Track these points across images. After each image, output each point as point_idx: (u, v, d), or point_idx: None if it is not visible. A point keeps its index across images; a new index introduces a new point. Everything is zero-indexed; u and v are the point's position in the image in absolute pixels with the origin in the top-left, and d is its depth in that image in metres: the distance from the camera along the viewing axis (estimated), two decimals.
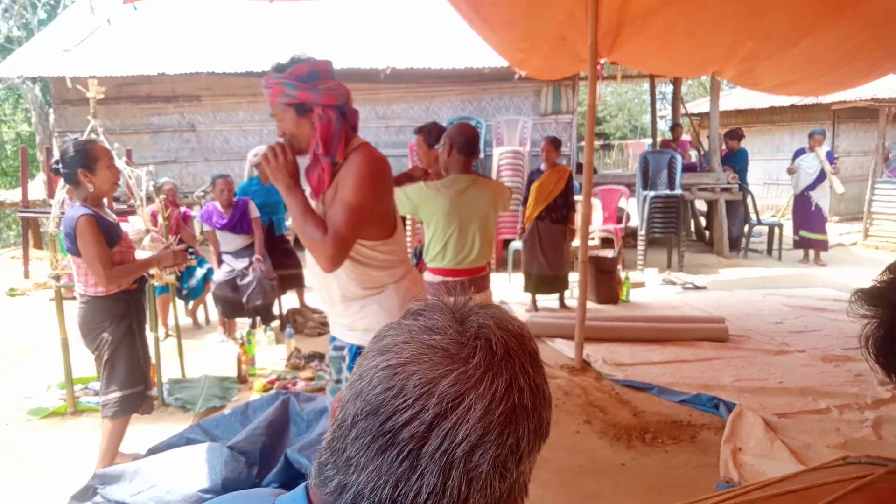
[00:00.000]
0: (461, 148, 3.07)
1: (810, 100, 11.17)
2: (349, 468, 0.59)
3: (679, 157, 8.59)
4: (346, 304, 2.07)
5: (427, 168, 3.79)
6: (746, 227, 9.26)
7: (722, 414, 3.64)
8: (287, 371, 4.59)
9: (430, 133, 4.04)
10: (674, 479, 2.99)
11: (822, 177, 8.26)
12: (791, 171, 8.65)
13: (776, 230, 9.00)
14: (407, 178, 3.54)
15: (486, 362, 0.58)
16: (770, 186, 13.62)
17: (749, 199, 9.27)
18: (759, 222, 9.25)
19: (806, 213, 8.48)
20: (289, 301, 5.94)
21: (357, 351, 2.10)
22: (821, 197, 8.43)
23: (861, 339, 0.66)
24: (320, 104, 1.94)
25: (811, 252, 8.58)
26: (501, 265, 7.88)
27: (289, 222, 6.65)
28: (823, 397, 3.86)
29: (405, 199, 3.10)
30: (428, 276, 3.17)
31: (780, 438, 3.29)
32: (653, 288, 7.19)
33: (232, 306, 5.20)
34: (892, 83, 9.83)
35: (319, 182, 2.00)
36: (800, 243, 8.62)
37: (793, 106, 12.50)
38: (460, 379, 0.57)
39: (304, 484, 0.65)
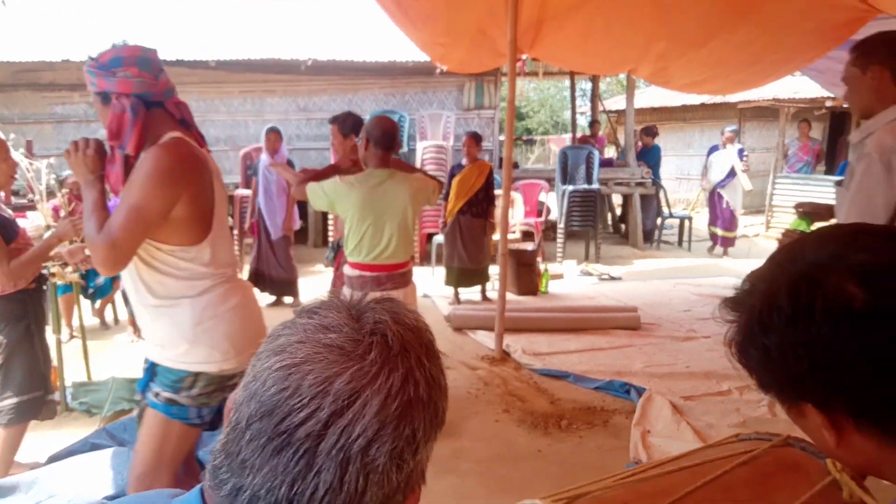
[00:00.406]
0: (378, 141, 3.02)
1: (719, 99, 11.78)
2: (244, 470, 0.58)
3: (596, 153, 8.86)
4: (140, 311, 1.92)
5: (342, 157, 3.74)
6: (659, 220, 9.67)
7: (633, 399, 3.79)
8: None
9: (345, 122, 3.99)
10: (587, 463, 3.09)
11: (732, 174, 8.54)
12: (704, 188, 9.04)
13: (686, 223, 9.48)
14: (335, 170, 3.46)
15: (382, 358, 0.58)
16: (682, 181, 14.27)
17: (662, 194, 9.68)
18: (671, 215, 9.70)
19: (716, 210, 8.74)
20: None
21: (152, 367, 1.89)
22: (731, 194, 8.63)
23: (725, 344, 0.72)
24: (114, 92, 1.80)
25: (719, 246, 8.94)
26: (425, 259, 7.91)
27: None
28: (725, 380, 4.09)
29: (321, 193, 3.04)
30: (347, 270, 3.14)
31: (686, 420, 3.46)
32: (571, 279, 7.39)
33: None
34: (791, 84, 10.48)
35: (116, 177, 1.84)
36: (712, 237, 9.00)
37: (703, 104, 13.13)
38: (356, 376, 0.57)
39: (199, 486, 0.64)
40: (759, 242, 9.83)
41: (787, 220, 9.97)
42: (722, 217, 8.68)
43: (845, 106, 9.18)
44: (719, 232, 8.77)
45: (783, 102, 11.03)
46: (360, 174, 3.07)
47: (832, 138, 13.25)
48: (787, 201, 9.89)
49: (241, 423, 0.59)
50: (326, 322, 0.61)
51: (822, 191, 9.54)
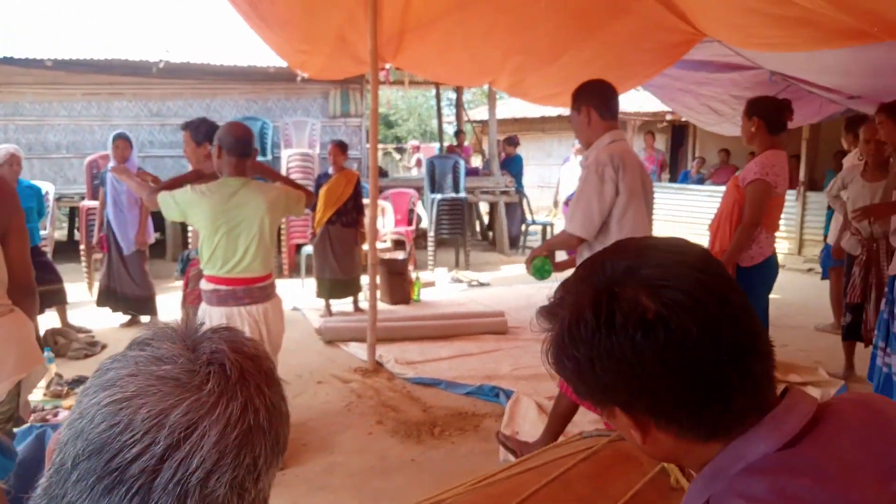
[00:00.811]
0: (231, 149, 2.87)
1: None
2: None
3: (462, 162, 9.09)
4: None
5: (205, 164, 3.55)
6: (524, 227, 10.10)
7: (502, 402, 3.91)
8: (46, 400, 4.03)
9: (199, 129, 3.79)
10: (459, 468, 3.14)
11: None
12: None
13: (549, 228, 9.98)
14: (197, 176, 3.26)
15: (220, 388, 0.57)
16: (543, 189, 14.98)
17: (525, 201, 10.12)
18: (534, 222, 10.21)
19: None
20: (47, 321, 5.23)
21: None
22: None
23: (542, 352, 0.76)
24: None
25: None
26: (294, 271, 7.71)
27: (44, 232, 5.90)
28: None
29: (173, 203, 2.87)
30: (203, 285, 2.98)
31: None
32: (442, 286, 7.52)
33: None
34: (636, 98, 11.34)
35: None
36: None
37: (560, 116, 13.87)
38: (193, 407, 0.56)
39: None
40: None
41: None
42: None
43: (684, 119, 10.10)
44: None
45: (630, 115, 11.92)
46: (212, 183, 2.93)
47: (674, 149, 14.50)
48: None
49: (66, 464, 0.56)
50: (160, 353, 0.59)
51: (667, 197, 10.44)
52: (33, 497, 0.59)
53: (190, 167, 3.93)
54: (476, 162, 12.94)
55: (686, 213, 9.85)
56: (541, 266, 2.92)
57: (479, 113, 16.49)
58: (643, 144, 11.26)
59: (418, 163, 14.93)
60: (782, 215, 3.52)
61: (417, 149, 16.05)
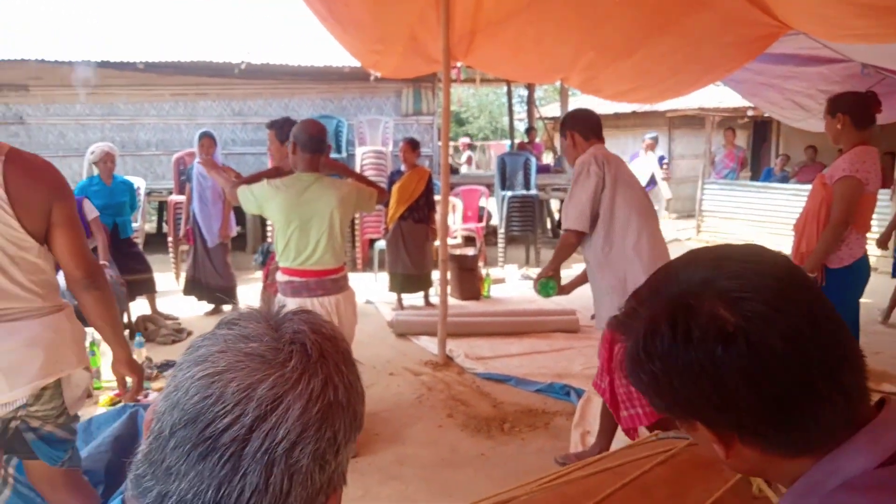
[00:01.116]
0: (304, 145, 2.97)
1: (649, 107, 12.21)
2: (169, 477, 0.59)
3: (534, 159, 9.03)
4: None
5: (284, 161, 3.68)
6: None
7: (573, 401, 3.89)
8: None
9: (283, 128, 3.95)
10: (529, 465, 3.15)
11: (652, 182, 8.41)
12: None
13: None
14: (277, 172, 3.40)
15: (302, 365, 0.61)
16: None
17: None
18: None
19: None
20: (138, 308, 5.57)
21: None
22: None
23: (616, 363, 0.76)
24: None
25: None
26: (367, 265, 7.88)
27: (136, 224, 6.26)
28: None
29: (251, 196, 3.00)
30: (279, 277, 3.11)
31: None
32: (512, 283, 7.51)
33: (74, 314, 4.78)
34: (716, 94, 10.95)
35: None
36: None
37: (634, 112, 13.57)
38: (278, 382, 0.59)
39: (120, 497, 0.65)
40: (690, 246, 10.23)
41: (716, 224, 10.42)
42: None
43: (766, 115, 9.68)
44: None
45: (708, 111, 11.52)
46: (286, 178, 3.03)
47: (756, 145, 13.92)
48: (715, 206, 10.33)
49: (164, 432, 0.60)
50: (246, 332, 0.63)
51: (748, 196, 10.03)
52: (134, 462, 0.64)
53: (269, 164, 4.10)
54: (547, 159, 12.82)
55: (769, 213, 9.44)
56: (545, 284, 3.15)
57: (550, 110, 16.34)
58: (722, 141, 10.85)
59: (469, 160, 14.91)
60: (874, 215, 3.34)
61: (468, 146, 15.95)
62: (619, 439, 3.30)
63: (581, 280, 3.35)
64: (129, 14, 9.11)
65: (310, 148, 2.99)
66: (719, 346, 0.64)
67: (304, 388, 0.60)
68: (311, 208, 2.96)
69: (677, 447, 0.93)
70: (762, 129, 13.68)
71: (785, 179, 10.61)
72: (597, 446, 3.02)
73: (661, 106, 11.43)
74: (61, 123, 8.82)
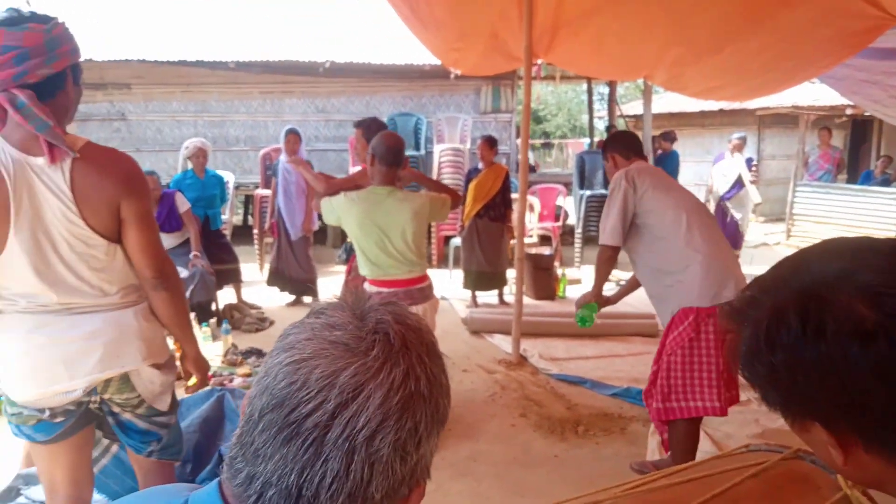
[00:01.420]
0: (382, 158, 2.99)
1: (737, 105, 11.71)
2: (257, 459, 0.61)
3: None
4: None
5: (362, 163, 3.75)
6: None
7: None
8: (223, 367, 4.51)
9: (370, 128, 4.02)
10: (604, 470, 3.10)
11: (739, 185, 7.66)
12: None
13: None
14: (354, 185, 3.44)
15: (384, 354, 0.62)
16: (700, 187, 14.13)
17: None
18: None
19: (720, 225, 8.20)
20: (225, 296, 5.83)
21: None
22: (737, 207, 7.67)
23: (728, 354, 0.71)
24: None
25: None
26: (442, 261, 7.94)
27: (225, 216, 6.55)
28: (745, 390, 4.05)
29: (331, 208, 3.06)
30: (367, 286, 3.17)
31: (704, 429, 3.45)
32: (588, 284, 7.37)
33: None
34: (811, 91, 10.38)
35: None
36: None
37: (721, 110, 13.04)
38: (360, 370, 0.61)
39: (217, 479, 0.68)
40: (779, 251, 9.76)
41: (808, 228, 9.90)
42: (726, 233, 7.90)
43: (867, 114, 9.09)
44: None
45: (803, 109, 10.94)
46: (362, 191, 3.06)
47: (854, 146, 13.11)
48: (807, 210, 9.81)
49: (254, 415, 0.63)
50: (332, 321, 0.65)
51: (845, 199, 9.46)
52: (230, 444, 0.67)
53: (350, 161, 4.19)
54: None
55: (867, 218, 8.88)
56: (586, 315, 3.20)
57: (632, 108, 15.93)
58: (817, 141, 10.27)
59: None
60: None
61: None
62: (703, 450, 3.20)
63: (629, 289, 3.39)
64: (222, 16, 9.53)
65: (387, 161, 3.00)
66: (856, 343, 0.60)
67: (386, 378, 0.61)
68: (386, 221, 2.97)
69: (771, 460, 0.89)
70: (861, 129, 12.87)
71: (886, 182, 9.95)
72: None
73: (751, 104, 10.94)
74: (158, 120, 9.33)
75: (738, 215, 7.70)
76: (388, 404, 0.60)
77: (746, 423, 3.60)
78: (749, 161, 7.93)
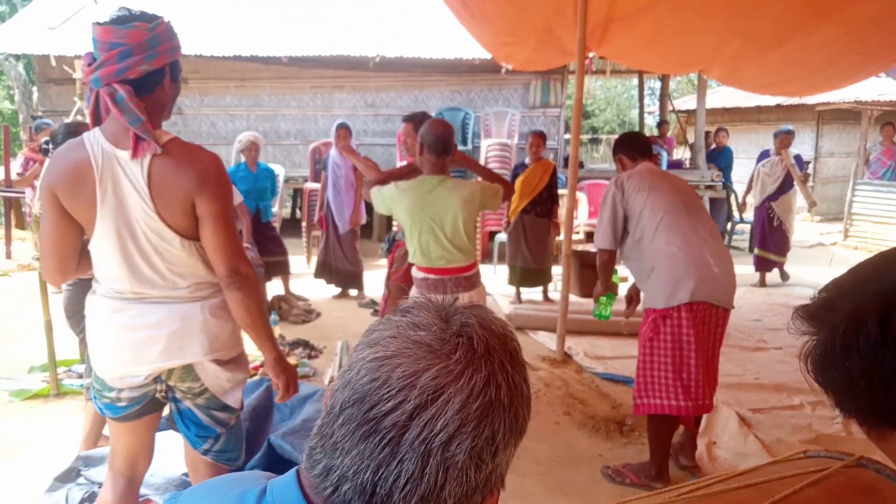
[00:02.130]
0: (431, 147, 2.97)
1: (795, 100, 11.30)
2: (335, 452, 0.62)
3: (665, 154, 8.66)
4: None
5: (411, 157, 3.76)
6: (729, 225, 9.38)
7: None
8: None
9: (420, 122, 4.03)
10: None
11: (787, 185, 6.87)
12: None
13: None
14: (411, 170, 3.43)
15: (466, 358, 0.61)
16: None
17: (732, 197, 9.38)
18: (742, 220, 9.35)
19: (765, 228, 7.01)
20: (274, 288, 5.95)
21: None
22: (784, 210, 6.94)
23: (800, 358, 0.69)
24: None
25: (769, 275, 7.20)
26: (487, 257, 7.93)
27: (275, 209, 6.68)
28: (797, 394, 3.96)
29: (382, 198, 3.08)
30: (414, 272, 3.19)
31: (754, 433, 3.38)
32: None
33: None
34: (876, 85, 9.96)
35: None
36: (757, 263, 7.17)
37: (778, 106, 12.63)
38: (441, 373, 0.60)
39: (296, 468, 0.69)
40: (836, 251, 9.41)
41: (867, 228, 9.52)
42: (772, 237, 6.98)
43: None
44: (769, 255, 7.04)
45: (866, 105, 10.50)
46: (412, 181, 3.06)
47: None
48: (868, 209, 9.44)
49: (335, 408, 0.63)
50: (417, 321, 0.65)
51: None
52: (312, 434, 0.67)
53: (397, 156, 4.21)
54: (679, 154, 12.26)
55: None
56: (601, 309, 3.40)
57: (683, 102, 15.59)
58: (879, 138, 9.85)
59: None
60: None
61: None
62: (753, 455, 3.13)
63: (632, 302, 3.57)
64: (276, 12, 9.68)
65: (436, 149, 2.98)
66: None
67: (466, 383, 0.60)
68: (436, 210, 2.96)
69: (832, 467, 0.86)
70: None
71: None
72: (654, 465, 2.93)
73: (811, 99, 10.55)
74: (213, 114, 9.57)
75: (785, 219, 6.94)
76: (467, 410, 0.59)
77: (798, 428, 3.50)
78: (799, 159, 7.09)
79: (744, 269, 8.16)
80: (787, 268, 7.26)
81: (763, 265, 7.13)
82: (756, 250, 7.17)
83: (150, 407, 1.95)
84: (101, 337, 1.87)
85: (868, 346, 0.62)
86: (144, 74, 1.68)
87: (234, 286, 1.77)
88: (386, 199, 3.07)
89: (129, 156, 1.68)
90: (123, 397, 1.89)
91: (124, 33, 1.64)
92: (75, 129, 2.86)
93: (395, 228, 6.39)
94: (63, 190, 1.73)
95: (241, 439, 2.08)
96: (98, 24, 1.67)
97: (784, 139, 6.82)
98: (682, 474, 3.02)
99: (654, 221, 2.88)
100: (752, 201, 7.18)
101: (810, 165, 7.39)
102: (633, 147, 3.22)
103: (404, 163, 4.19)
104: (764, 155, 7.20)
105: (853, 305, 0.65)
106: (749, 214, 10.12)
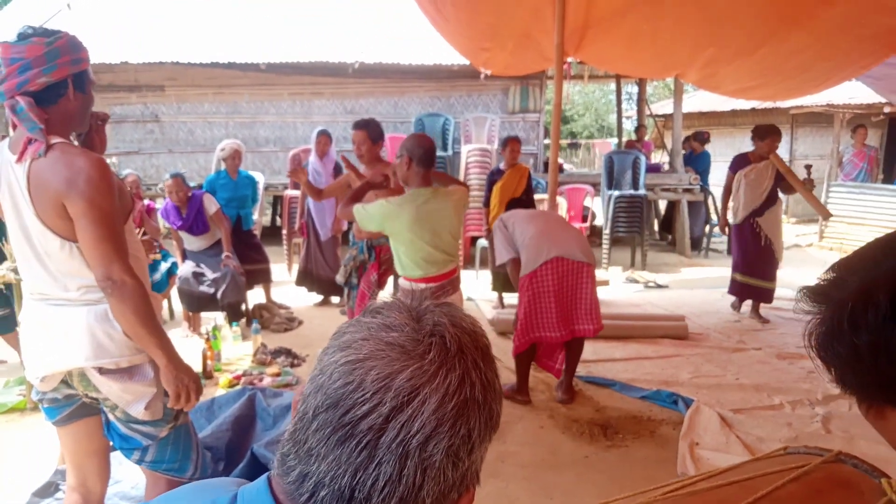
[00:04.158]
0: (420, 161, 3.05)
1: (770, 104, 11.51)
2: (310, 458, 0.61)
3: (643, 158, 8.76)
4: None
5: (374, 171, 3.78)
6: (707, 228, 9.50)
7: (680, 409, 3.75)
8: (253, 367, 4.57)
9: (375, 128, 4.08)
10: (634, 473, 3.08)
11: (774, 196, 5.54)
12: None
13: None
14: (369, 186, 3.48)
15: (440, 358, 0.61)
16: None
17: (710, 200, 9.51)
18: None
19: (748, 249, 5.61)
20: (255, 296, 5.91)
21: None
22: (772, 226, 5.56)
23: (804, 335, 0.70)
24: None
25: (746, 303, 5.91)
26: (469, 262, 7.95)
27: (255, 216, 6.64)
28: (777, 393, 4.01)
29: (368, 216, 3.09)
30: (402, 283, 3.20)
31: (735, 433, 3.42)
32: (616, 286, 7.33)
33: (197, 301, 5.14)
34: (847, 89, 10.16)
35: None
36: (735, 289, 5.82)
37: (753, 109, 12.84)
38: (416, 374, 0.60)
39: (266, 475, 0.68)
40: (812, 252, 9.57)
41: (842, 229, 9.68)
42: (756, 259, 5.59)
43: None
44: (752, 281, 5.65)
45: (838, 108, 10.72)
46: (404, 196, 3.10)
47: (890, 146, 12.81)
48: (842, 210, 9.60)
49: (308, 414, 0.62)
50: (389, 321, 0.64)
51: (881, 199, 9.25)
52: (282, 440, 0.66)
53: (358, 164, 4.20)
54: (657, 158, 12.40)
55: None
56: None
57: (661, 107, 15.77)
58: (851, 140, 10.05)
59: None
60: None
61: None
62: (735, 454, 3.16)
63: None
64: (253, 18, 9.64)
65: (424, 163, 3.07)
66: None
67: (441, 382, 0.60)
68: (436, 221, 3.05)
69: (812, 463, 0.88)
70: None
71: None
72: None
73: (785, 102, 10.75)
74: (191, 121, 9.49)
75: (773, 236, 5.58)
76: (443, 410, 0.59)
77: (778, 427, 3.55)
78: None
79: (722, 271, 8.28)
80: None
81: (745, 292, 5.77)
82: (737, 275, 5.74)
83: (81, 411, 1.95)
84: (21, 337, 1.95)
85: (876, 321, 0.62)
86: (46, 86, 1.73)
87: (107, 291, 1.74)
88: (376, 216, 3.09)
89: (16, 160, 1.74)
90: (46, 399, 1.93)
91: (22, 49, 1.70)
92: None
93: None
94: None
95: (185, 450, 2.02)
96: (1, 42, 1.75)
97: (775, 140, 5.36)
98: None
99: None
100: (735, 214, 5.74)
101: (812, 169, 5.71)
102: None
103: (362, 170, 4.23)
104: (741, 160, 5.68)
105: (862, 281, 0.65)
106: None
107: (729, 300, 6.12)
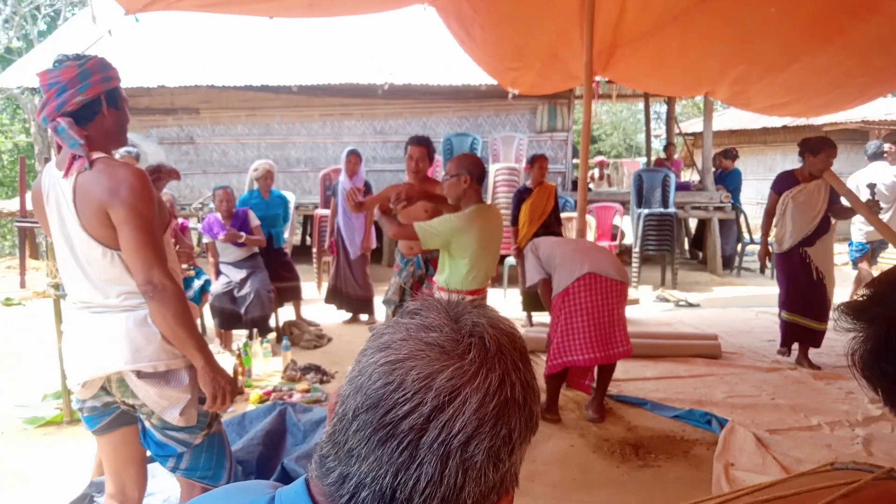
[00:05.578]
0: (479, 179, 3.27)
1: (802, 121, 11.35)
2: (351, 459, 0.61)
3: (673, 176, 8.69)
4: None
5: (413, 180, 3.86)
6: (739, 246, 9.35)
7: (714, 430, 3.67)
8: (283, 383, 4.60)
9: (432, 147, 4.15)
10: (666, 494, 3.01)
11: (826, 222, 4.70)
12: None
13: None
14: (426, 195, 3.67)
15: (480, 358, 0.61)
16: (762, 206, 13.74)
17: (742, 219, 9.37)
18: (752, 241, 9.34)
19: (797, 283, 4.76)
20: (285, 313, 5.97)
21: None
22: (823, 258, 4.72)
23: (847, 354, 0.68)
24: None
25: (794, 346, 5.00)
26: (497, 281, 7.92)
27: (286, 235, 6.73)
28: (815, 414, 3.91)
29: (434, 233, 3.21)
30: (438, 293, 3.26)
31: (772, 454, 3.33)
32: (647, 305, 7.25)
33: (229, 318, 5.21)
34: (882, 105, 9.99)
35: None
36: (785, 329, 4.95)
37: (785, 127, 12.67)
38: (456, 374, 0.60)
39: (303, 477, 0.68)
40: (847, 271, 9.34)
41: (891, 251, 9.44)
42: (808, 296, 4.74)
43: None
44: (802, 321, 4.78)
45: (873, 124, 10.53)
46: (470, 211, 3.23)
47: None
48: None
49: (347, 415, 0.62)
50: (428, 322, 0.64)
51: None
52: (320, 442, 0.66)
53: (406, 179, 4.24)
54: (686, 176, 12.28)
55: None
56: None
57: (689, 125, 15.66)
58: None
59: (601, 176, 14.47)
60: None
61: (601, 164, 15.14)
62: (771, 476, 3.08)
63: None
64: (285, 42, 9.84)
65: (480, 181, 3.31)
66: None
67: (482, 383, 0.60)
68: (496, 233, 3.33)
69: (862, 479, 0.86)
70: None
71: None
72: None
73: (817, 119, 10.58)
74: (224, 143, 9.69)
75: (825, 269, 4.73)
76: (484, 410, 0.59)
77: (817, 449, 3.45)
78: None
79: (755, 290, 8.13)
80: None
81: (793, 334, 4.92)
82: (784, 314, 4.89)
83: (120, 420, 2.01)
84: (64, 345, 2.01)
85: None
86: (82, 105, 1.84)
87: (149, 296, 1.81)
88: (444, 231, 3.20)
89: (63, 175, 1.84)
90: (86, 408, 1.99)
91: (58, 73, 1.82)
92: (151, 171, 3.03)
93: None
94: (37, 214, 2.01)
95: (218, 458, 2.06)
96: (39, 72, 1.87)
97: (830, 155, 4.55)
98: None
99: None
100: (772, 245, 5.10)
101: (873, 190, 4.99)
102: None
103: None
104: (787, 178, 4.79)
105: None
106: (758, 236, 9.58)
107: (761, 320, 6.01)
